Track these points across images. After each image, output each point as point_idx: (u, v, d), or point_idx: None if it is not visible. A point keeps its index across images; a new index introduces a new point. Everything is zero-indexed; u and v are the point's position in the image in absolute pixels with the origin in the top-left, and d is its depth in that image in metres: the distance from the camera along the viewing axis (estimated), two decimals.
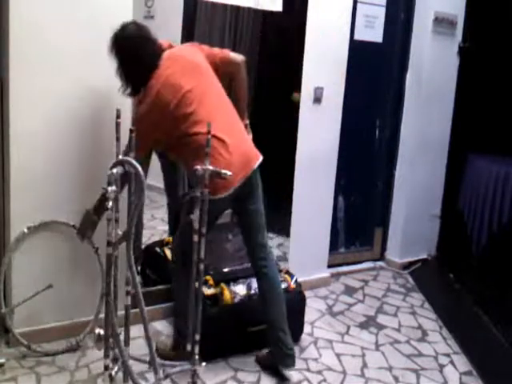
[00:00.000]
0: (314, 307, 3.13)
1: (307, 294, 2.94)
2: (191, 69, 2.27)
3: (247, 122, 2.49)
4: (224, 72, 2.37)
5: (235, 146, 2.25)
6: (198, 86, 2.23)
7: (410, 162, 3.75)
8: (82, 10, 2.37)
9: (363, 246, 3.88)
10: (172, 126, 2.20)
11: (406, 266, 3.86)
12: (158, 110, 2.17)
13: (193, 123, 2.19)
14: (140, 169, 1.66)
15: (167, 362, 2.34)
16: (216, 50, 2.39)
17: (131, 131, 1.91)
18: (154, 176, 3.36)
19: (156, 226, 3.63)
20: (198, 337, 2.19)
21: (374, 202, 3.86)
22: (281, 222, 3.41)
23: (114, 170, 1.64)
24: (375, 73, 3.64)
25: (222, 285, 2.62)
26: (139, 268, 3.06)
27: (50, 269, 2.47)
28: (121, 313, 1.98)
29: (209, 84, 2.30)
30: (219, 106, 2.30)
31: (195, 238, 2.14)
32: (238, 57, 2.39)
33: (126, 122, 2.23)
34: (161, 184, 3.38)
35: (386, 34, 3.57)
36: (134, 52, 2.19)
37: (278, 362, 2.43)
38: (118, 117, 2.03)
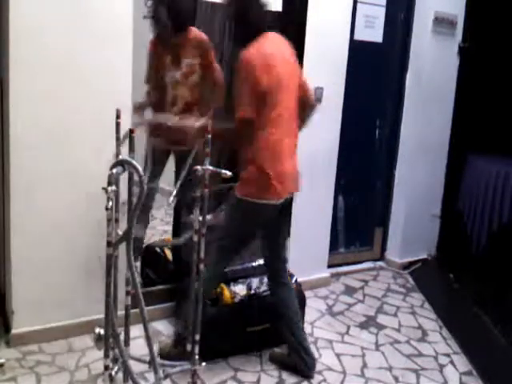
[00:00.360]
0: (314, 307, 3.13)
1: (307, 294, 2.95)
2: (290, 67, 2.31)
3: None
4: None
5: (294, 162, 2.35)
6: (289, 86, 2.27)
7: (409, 162, 3.75)
8: (82, 11, 2.36)
9: (363, 246, 3.88)
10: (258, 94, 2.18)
11: (406, 266, 3.86)
12: (258, 66, 2.17)
13: (271, 117, 2.21)
14: (140, 169, 1.66)
15: (167, 362, 2.34)
16: (304, 78, 2.43)
17: (131, 131, 1.91)
18: (163, 179, 3.37)
19: (156, 226, 3.63)
20: (197, 337, 2.20)
21: (373, 201, 3.86)
22: None
23: (114, 170, 1.64)
24: (375, 73, 3.64)
25: (222, 285, 2.62)
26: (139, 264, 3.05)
27: (52, 266, 2.47)
28: (121, 313, 1.98)
29: (293, 92, 2.32)
30: (292, 118, 2.33)
31: (195, 237, 2.15)
32: (313, 98, 2.52)
33: (126, 122, 2.23)
34: (165, 186, 3.40)
35: (386, 34, 3.57)
36: (245, 9, 2.26)
37: (299, 369, 2.47)
38: (118, 117, 2.03)
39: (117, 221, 1.90)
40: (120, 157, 1.93)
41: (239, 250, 2.48)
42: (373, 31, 3.53)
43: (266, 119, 2.21)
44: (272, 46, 2.27)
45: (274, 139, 2.23)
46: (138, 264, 3.07)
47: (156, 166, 3.11)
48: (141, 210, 3.08)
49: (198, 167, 2.06)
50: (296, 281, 2.78)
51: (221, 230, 2.38)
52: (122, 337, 2.00)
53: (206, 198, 2.11)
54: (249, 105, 2.17)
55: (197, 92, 2.88)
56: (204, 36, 2.86)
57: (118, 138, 2.04)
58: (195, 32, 2.85)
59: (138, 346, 2.33)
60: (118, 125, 2.04)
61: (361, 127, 3.67)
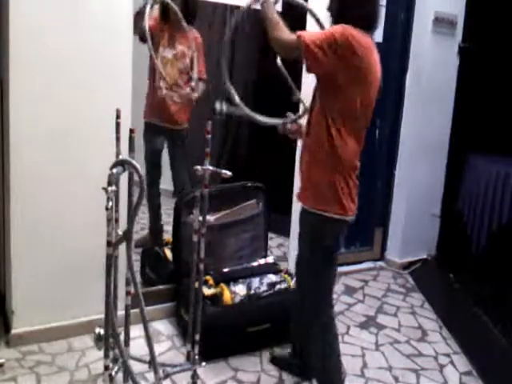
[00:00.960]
0: None
1: None
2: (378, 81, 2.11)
3: None
4: None
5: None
6: (370, 99, 2.11)
7: (409, 162, 3.75)
8: (82, 11, 2.36)
9: (363, 246, 3.88)
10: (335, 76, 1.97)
11: (406, 266, 3.86)
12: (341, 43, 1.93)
13: (345, 118, 2.02)
14: (140, 169, 1.66)
15: (167, 362, 2.35)
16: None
17: (131, 131, 1.91)
18: (163, 179, 3.40)
19: None
20: (197, 337, 2.20)
21: (374, 201, 3.85)
22: (281, 222, 3.41)
23: (114, 170, 1.64)
24: None
25: (222, 285, 2.62)
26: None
27: (52, 266, 2.47)
28: (121, 313, 1.98)
29: (370, 111, 2.16)
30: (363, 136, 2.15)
31: (195, 238, 2.15)
32: None
33: (126, 122, 2.23)
34: (168, 186, 3.42)
35: (386, 34, 3.57)
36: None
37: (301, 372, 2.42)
38: (117, 117, 2.03)
39: (117, 221, 1.90)
40: (120, 157, 1.93)
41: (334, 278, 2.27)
42: None
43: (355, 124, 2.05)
44: (372, 49, 2.07)
45: (353, 155, 2.07)
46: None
47: (153, 166, 3.26)
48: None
49: (198, 167, 2.07)
50: None
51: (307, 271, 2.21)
52: (121, 337, 2.00)
53: (205, 197, 2.11)
54: (319, 47, 1.90)
55: (184, 78, 3.16)
56: (200, 39, 3.24)
57: (118, 138, 2.04)
58: (195, 32, 3.18)
59: (137, 346, 2.33)
60: (118, 125, 2.04)
61: None
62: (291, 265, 3.13)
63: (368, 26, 2.08)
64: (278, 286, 2.68)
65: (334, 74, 1.96)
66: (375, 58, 2.07)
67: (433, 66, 3.66)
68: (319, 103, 2.07)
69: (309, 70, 2.02)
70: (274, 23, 2.00)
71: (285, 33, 1.98)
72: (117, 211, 1.94)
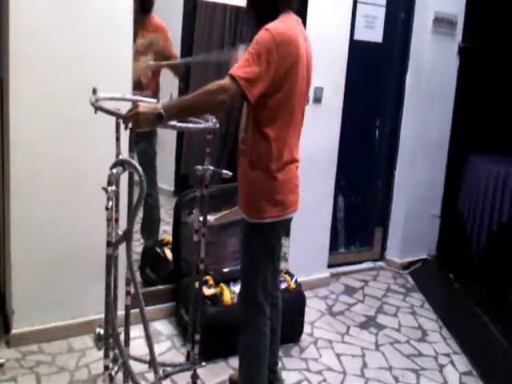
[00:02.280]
0: (314, 307, 3.13)
1: (307, 294, 2.94)
2: (308, 65, 2.01)
3: None
4: None
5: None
6: (302, 89, 1.97)
7: (409, 162, 3.76)
8: (82, 11, 2.36)
9: (363, 246, 3.88)
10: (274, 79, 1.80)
11: (406, 266, 3.86)
12: (275, 48, 1.77)
13: (277, 117, 1.87)
14: (140, 169, 1.66)
15: (167, 362, 2.35)
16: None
17: (131, 131, 1.91)
18: (164, 179, 3.40)
19: None
20: (197, 337, 2.20)
21: (373, 201, 3.86)
22: None
23: (114, 170, 1.64)
24: (375, 73, 3.64)
25: (222, 285, 2.62)
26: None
27: (52, 266, 2.47)
28: (121, 313, 1.98)
29: (304, 98, 2.03)
30: (301, 124, 2.03)
31: (195, 237, 2.15)
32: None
33: None
34: (168, 186, 3.41)
35: (385, 34, 3.57)
36: None
37: None
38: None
39: (117, 221, 1.90)
40: (120, 157, 1.93)
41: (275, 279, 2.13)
42: (373, 31, 3.53)
43: (283, 116, 1.89)
44: (299, 37, 1.88)
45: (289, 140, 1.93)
46: None
47: None
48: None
49: (199, 167, 2.07)
50: (296, 281, 2.78)
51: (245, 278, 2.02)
52: (122, 337, 2.00)
53: (205, 197, 2.11)
54: (260, 81, 1.74)
55: (150, 74, 3.04)
56: (163, 24, 3.12)
57: (117, 138, 2.04)
58: (156, 19, 3.09)
59: (137, 346, 2.33)
60: (118, 125, 2.04)
61: (361, 127, 3.67)
62: (291, 265, 3.14)
63: (297, 3, 1.94)
64: None
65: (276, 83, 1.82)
66: (300, 39, 1.90)
67: (433, 66, 3.66)
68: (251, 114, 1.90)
69: (255, 101, 1.79)
70: (194, 98, 1.74)
71: (210, 88, 1.72)
72: (117, 211, 1.94)
